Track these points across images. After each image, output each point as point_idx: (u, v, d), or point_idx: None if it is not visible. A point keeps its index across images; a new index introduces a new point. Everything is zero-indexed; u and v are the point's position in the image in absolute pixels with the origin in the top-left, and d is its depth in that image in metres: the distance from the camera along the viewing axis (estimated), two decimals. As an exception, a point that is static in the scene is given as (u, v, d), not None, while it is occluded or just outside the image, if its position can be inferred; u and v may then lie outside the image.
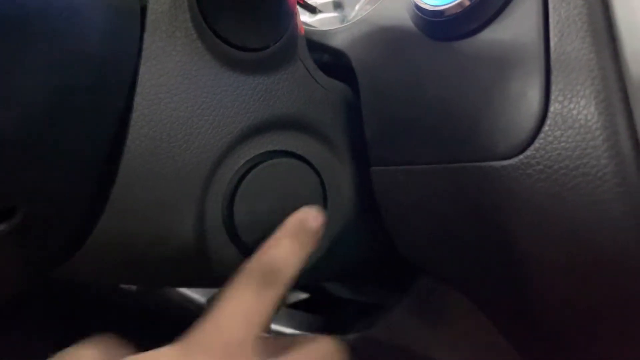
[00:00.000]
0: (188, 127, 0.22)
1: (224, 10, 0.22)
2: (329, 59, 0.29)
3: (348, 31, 0.28)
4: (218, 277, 0.24)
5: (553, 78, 0.18)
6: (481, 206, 0.20)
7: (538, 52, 0.18)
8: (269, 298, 0.20)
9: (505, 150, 0.19)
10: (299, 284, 0.22)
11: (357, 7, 0.35)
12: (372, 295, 0.35)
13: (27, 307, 0.35)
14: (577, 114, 0.17)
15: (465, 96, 0.21)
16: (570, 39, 0.18)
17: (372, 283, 0.35)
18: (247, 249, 0.23)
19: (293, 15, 0.24)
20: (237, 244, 0.24)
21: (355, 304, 0.36)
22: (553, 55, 0.18)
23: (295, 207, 0.23)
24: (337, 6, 0.38)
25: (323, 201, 0.25)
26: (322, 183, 0.25)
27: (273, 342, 0.22)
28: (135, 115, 0.21)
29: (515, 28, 0.19)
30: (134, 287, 0.40)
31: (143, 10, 0.22)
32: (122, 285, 0.39)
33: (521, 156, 0.18)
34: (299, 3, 0.36)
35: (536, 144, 0.18)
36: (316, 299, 0.38)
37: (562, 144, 0.17)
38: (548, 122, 0.18)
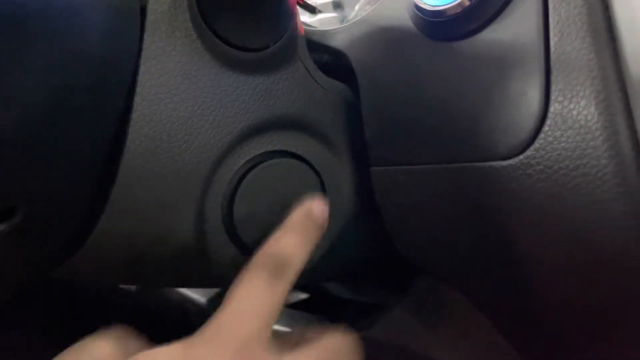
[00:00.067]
0: (188, 127, 0.22)
1: (224, 10, 0.22)
2: (329, 59, 0.29)
3: (348, 31, 0.28)
4: (218, 277, 0.24)
5: (553, 78, 0.18)
6: (481, 206, 0.20)
7: (538, 52, 0.18)
8: (280, 290, 0.20)
9: (505, 150, 0.19)
10: (299, 284, 0.22)
11: (356, 7, 0.35)
12: (372, 295, 0.35)
13: (27, 307, 0.35)
14: (577, 114, 0.17)
15: (465, 96, 0.21)
16: (570, 39, 0.18)
17: (372, 283, 0.35)
18: (247, 248, 0.23)
19: (293, 16, 0.24)
20: (237, 243, 0.24)
21: (355, 304, 0.36)
22: (553, 56, 0.18)
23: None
24: (337, 6, 0.38)
25: (323, 201, 0.25)
26: (322, 183, 0.25)
27: (286, 335, 0.22)
28: (135, 115, 0.21)
29: (515, 28, 0.19)
30: (133, 287, 0.40)
31: (143, 11, 0.22)
32: (122, 285, 0.39)
33: (521, 156, 0.18)
34: (298, 3, 0.36)
35: (536, 144, 0.18)
36: (316, 299, 0.38)
37: (562, 144, 0.17)
38: (548, 122, 0.18)
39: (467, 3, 0.20)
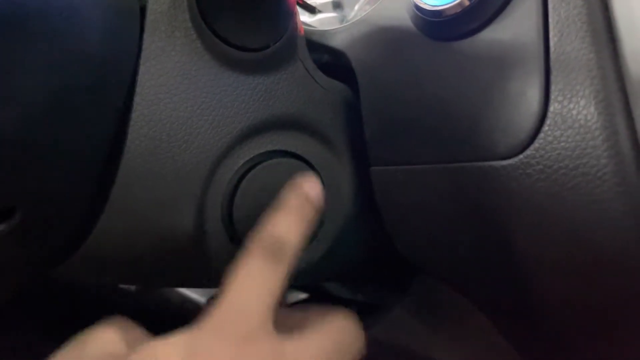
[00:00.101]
0: (188, 127, 0.22)
1: (224, 10, 0.22)
2: (329, 59, 0.29)
3: (347, 31, 0.28)
4: (218, 277, 0.24)
5: (553, 78, 0.18)
6: (481, 206, 0.20)
7: (538, 52, 0.18)
8: (279, 272, 0.20)
9: (504, 150, 0.19)
10: (299, 284, 0.22)
11: (356, 7, 0.35)
12: (372, 295, 0.35)
13: (27, 307, 0.35)
14: (576, 113, 0.17)
15: (465, 96, 0.21)
16: (570, 39, 0.18)
17: (372, 283, 0.35)
18: (247, 248, 0.23)
19: (293, 15, 0.24)
20: (237, 243, 0.24)
21: (355, 304, 0.36)
22: (553, 55, 0.18)
23: None
24: (337, 6, 0.38)
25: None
26: (322, 183, 0.25)
27: (289, 315, 0.22)
28: (134, 115, 0.21)
29: (514, 28, 0.19)
30: (133, 287, 0.40)
31: (142, 10, 0.22)
32: (122, 285, 0.39)
33: (521, 156, 0.18)
34: (298, 3, 0.36)
35: (536, 143, 0.18)
36: (316, 299, 0.38)
37: (562, 144, 0.17)
38: (548, 122, 0.18)
39: (467, 3, 0.20)
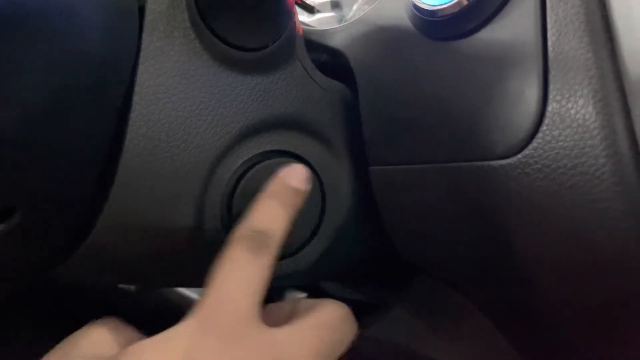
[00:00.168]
0: (186, 126, 0.22)
1: (222, 10, 0.22)
2: (327, 58, 0.29)
3: (346, 31, 0.28)
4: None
5: (551, 77, 0.18)
6: (480, 206, 0.20)
7: (536, 51, 0.18)
8: (263, 263, 0.20)
9: (503, 149, 0.19)
10: (298, 284, 0.22)
11: (355, 7, 0.35)
12: (372, 295, 0.35)
13: (28, 307, 0.35)
14: (575, 113, 0.17)
15: (464, 96, 0.21)
16: (568, 39, 0.18)
17: (372, 283, 0.35)
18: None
19: (291, 15, 0.24)
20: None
21: (355, 304, 0.36)
22: (551, 55, 0.18)
23: None
24: (335, 6, 0.38)
25: (322, 201, 0.26)
26: (321, 183, 0.25)
27: (277, 308, 0.22)
28: (133, 115, 0.21)
29: (513, 27, 0.19)
30: (133, 287, 0.40)
31: (141, 10, 0.22)
32: (122, 285, 0.39)
33: (519, 155, 0.18)
34: (297, 3, 0.36)
35: (534, 143, 0.18)
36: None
37: (560, 143, 0.17)
38: (546, 121, 0.18)
39: (465, 2, 0.20)
